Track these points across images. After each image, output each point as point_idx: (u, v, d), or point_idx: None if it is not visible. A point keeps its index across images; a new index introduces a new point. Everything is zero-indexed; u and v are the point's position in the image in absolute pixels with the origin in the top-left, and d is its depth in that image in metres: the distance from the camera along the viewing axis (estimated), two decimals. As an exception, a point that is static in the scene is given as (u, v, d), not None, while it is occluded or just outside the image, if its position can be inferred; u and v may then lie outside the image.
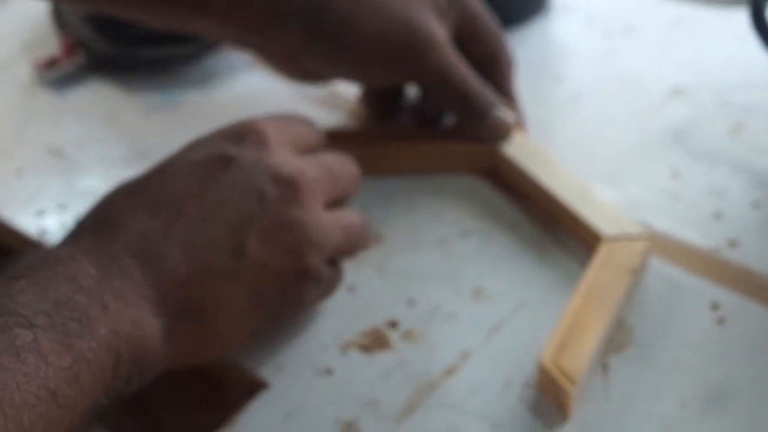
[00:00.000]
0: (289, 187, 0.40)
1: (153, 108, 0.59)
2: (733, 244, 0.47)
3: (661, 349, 0.43)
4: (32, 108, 0.60)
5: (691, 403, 0.40)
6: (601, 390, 0.41)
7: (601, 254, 0.45)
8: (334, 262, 0.43)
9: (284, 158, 0.41)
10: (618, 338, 0.43)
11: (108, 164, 0.55)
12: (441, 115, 0.54)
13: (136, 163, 0.54)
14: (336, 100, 0.58)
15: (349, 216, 0.43)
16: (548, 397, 0.41)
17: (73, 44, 0.62)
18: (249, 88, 0.60)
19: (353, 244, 0.44)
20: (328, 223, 0.41)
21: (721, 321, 0.44)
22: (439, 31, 0.49)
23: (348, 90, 0.57)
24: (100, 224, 0.38)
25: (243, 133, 0.41)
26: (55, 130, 0.58)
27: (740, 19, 0.52)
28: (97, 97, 0.60)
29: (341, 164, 0.44)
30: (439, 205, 0.51)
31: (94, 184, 0.54)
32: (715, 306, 0.44)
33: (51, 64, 0.61)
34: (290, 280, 0.40)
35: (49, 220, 0.52)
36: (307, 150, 0.44)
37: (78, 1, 0.57)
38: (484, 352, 0.43)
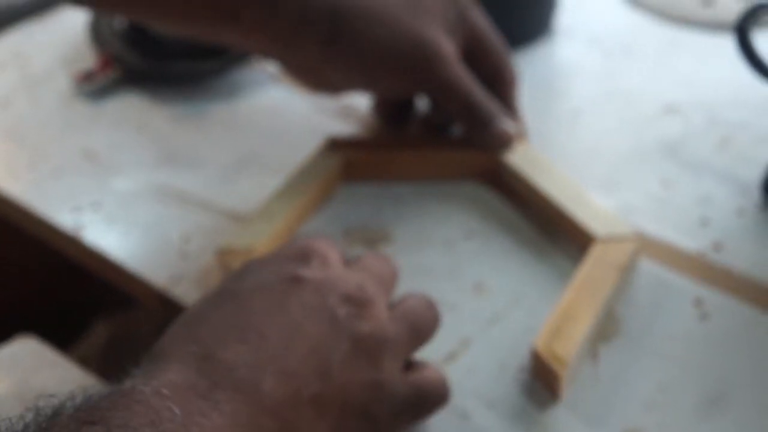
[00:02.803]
0: (359, 304, 0.40)
1: (181, 117, 0.63)
2: (717, 247, 0.51)
3: (647, 339, 0.46)
4: (69, 117, 0.64)
5: (671, 389, 0.43)
6: (591, 375, 0.44)
7: (594, 253, 0.48)
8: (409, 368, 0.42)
9: (345, 276, 0.41)
10: (608, 329, 0.46)
11: (138, 167, 0.59)
12: (448, 125, 0.57)
13: (163, 166, 0.59)
14: (350, 112, 0.62)
15: (410, 307, 0.43)
16: (541, 380, 0.44)
17: (108, 59, 0.66)
18: (270, 101, 0.64)
19: (421, 337, 0.43)
20: (396, 325, 0.41)
21: (703, 316, 0.47)
22: (447, 46, 0.52)
23: (361, 103, 0.61)
24: (192, 356, 0.37)
25: (307, 254, 0.42)
26: (90, 136, 0.62)
27: (729, 43, 0.55)
28: (130, 108, 0.64)
29: (381, 264, 0.44)
30: (445, 208, 0.54)
31: (125, 184, 0.58)
32: (698, 303, 0.48)
33: (87, 77, 0.65)
34: (368, 396, 0.39)
35: (84, 217, 0.56)
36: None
37: (121, 13, 0.60)
38: (482, 340, 0.47)
